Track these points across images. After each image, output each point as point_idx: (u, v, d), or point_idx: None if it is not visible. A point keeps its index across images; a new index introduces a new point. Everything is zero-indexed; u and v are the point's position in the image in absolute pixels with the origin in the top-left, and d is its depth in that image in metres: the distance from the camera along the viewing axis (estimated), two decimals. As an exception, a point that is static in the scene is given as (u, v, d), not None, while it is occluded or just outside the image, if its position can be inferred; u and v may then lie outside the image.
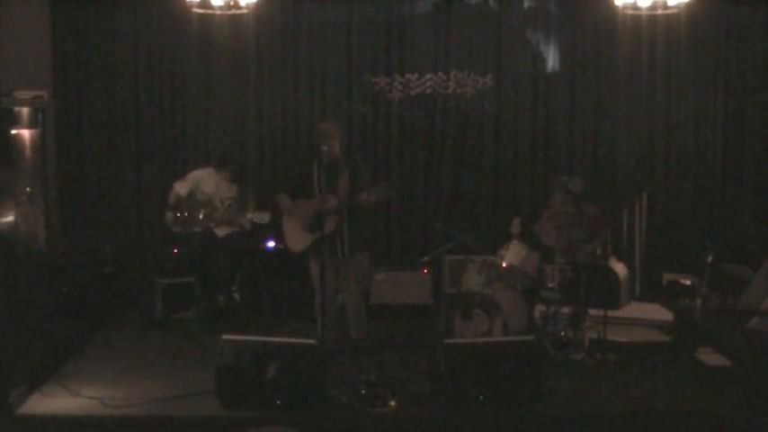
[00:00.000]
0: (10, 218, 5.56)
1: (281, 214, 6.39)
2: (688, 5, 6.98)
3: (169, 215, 7.18)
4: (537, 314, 6.82)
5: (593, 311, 6.35)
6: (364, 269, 6.42)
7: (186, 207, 7.20)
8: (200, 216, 7.18)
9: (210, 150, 8.11)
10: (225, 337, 5.32)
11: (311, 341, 5.45)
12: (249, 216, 6.94)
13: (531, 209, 7.85)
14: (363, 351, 6.22)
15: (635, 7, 6.74)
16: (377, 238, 8.13)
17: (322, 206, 5.99)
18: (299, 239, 6.23)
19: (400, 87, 8.18)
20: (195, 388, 5.44)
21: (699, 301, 7.34)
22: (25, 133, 5.80)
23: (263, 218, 6.83)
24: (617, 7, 6.97)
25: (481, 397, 5.11)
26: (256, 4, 6.94)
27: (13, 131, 5.66)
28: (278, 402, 5.10)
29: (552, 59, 8.27)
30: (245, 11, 6.86)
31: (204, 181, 7.28)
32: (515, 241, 6.69)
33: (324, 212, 5.99)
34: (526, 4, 8.22)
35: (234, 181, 7.34)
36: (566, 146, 8.32)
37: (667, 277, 7.82)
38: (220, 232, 7.29)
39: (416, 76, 8.18)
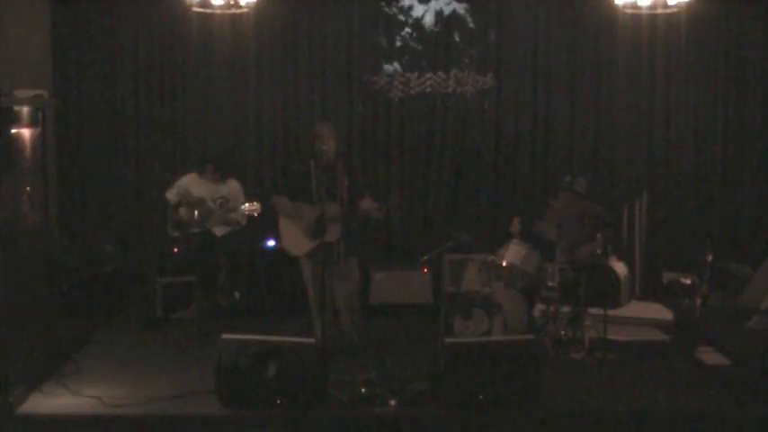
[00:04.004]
0: (10, 218, 5.55)
1: (277, 215, 6.37)
2: (688, 5, 6.98)
3: (182, 210, 7.19)
4: (537, 313, 6.82)
5: (593, 310, 6.36)
6: (354, 271, 6.38)
7: (184, 207, 7.23)
8: (196, 216, 7.19)
9: (191, 154, 8.11)
10: (225, 336, 5.32)
11: (311, 341, 5.45)
12: (241, 208, 6.94)
13: (531, 209, 7.85)
14: (357, 350, 6.23)
15: (635, 6, 6.74)
16: (377, 237, 8.13)
17: (324, 213, 5.96)
18: (298, 244, 6.21)
19: (400, 87, 8.19)
20: (195, 387, 5.44)
21: (699, 301, 7.34)
22: (25, 132, 5.79)
23: (255, 209, 6.81)
24: (617, 7, 6.97)
25: (481, 397, 5.11)
26: (256, 3, 6.94)
27: (13, 131, 5.65)
28: (278, 402, 5.09)
29: (552, 59, 8.26)
30: (245, 11, 6.86)
31: (191, 186, 7.31)
32: (515, 240, 6.69)
33: (326, 220, 5.97)
34: (526, 4, 8.21)
35: (219, 180, 7.34)
36: (566, 146, 8.32)
37: (667, 276, 7.82)
38: (219, 232, 7.30)
39: (416, 75, 8.18)
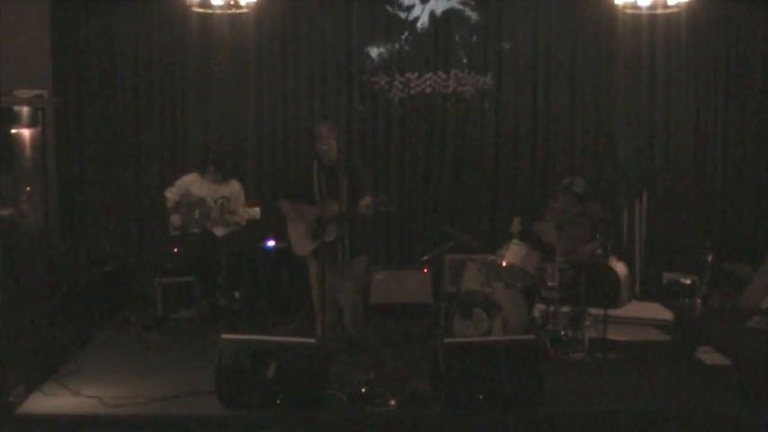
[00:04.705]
0: (10, 217, 5.55)
1: (284, 218, 6.40)
2: (688, 5, 6.99)
3: (175, 217, 7.21)
4: (537, 313, 6.82)
5: (593, 311, 6.36)
6: (362, 271, 6.44)
7: (183, 208, 7.24)
8: (196, 216, 7.20)
9: (191, 154, 8.13)
10: (225, 336, 5.33)
11: (311, 341, 5.45)
12: (241, 212, 6.96)
13: (531, 208, 7.85)
14: (359, 349, 6.25)
15: (635, 7, 6.74)
16: (377, 237, 8.13)
17: (323, 214, 5.99)
18: (302, 244, 6.26)
19: (400, 87, 8.18)
20: (195, 388, 5.44)
21: (699, 301, 7.33)
22: (25, 132, 5.80)
23: (255, 213, 6.83)
24: (617, 7, 6.97)
25: (481, 397, 5.11)
26: (256, 4, 6.95)
27: (13, 131, 5.65)
28: (278, 402, 5.09)
29: (552, 59, 8.25)
30: (245, 11, 6.87)
31: (192, 186, 7.31)
32: (515, 240, 6.69)
33: (325, 220, 6.00)
34: (527, 4, 8.22)
35: (220, 180, 7.35)
36: (566, 146, 8.31)
37: (667, 276, 7.81)
38: (219, 232, 7.30)
39: (416, 75, 8.18)
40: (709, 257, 7.29)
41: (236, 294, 7.47)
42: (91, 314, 7.15)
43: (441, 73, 8.19)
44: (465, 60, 8.24)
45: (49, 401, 5.32)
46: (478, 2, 8.20)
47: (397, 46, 8.24)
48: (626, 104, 8.29)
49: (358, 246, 6.23)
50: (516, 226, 6.71)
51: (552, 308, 6.51)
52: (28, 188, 5.81)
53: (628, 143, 8.31)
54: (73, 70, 8.15)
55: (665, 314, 7.25)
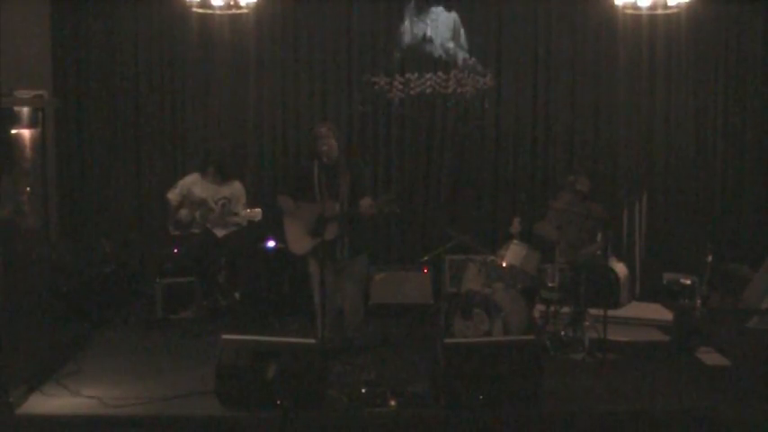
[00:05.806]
0: (10, 218, 5.55)
1: (282, 215, 6.39)
2: (688, 5, 7.00)
3: (183, 211, 7.21)
4: (537, 314, 6.82)
5: (593, 311, 6.36)
6: (363, 271, 6.43)
7: (187, 207, 7.25)
8: (197, 216, 7.20)
9: (191, 155, 8.13)
10: (225, 337, 5.33)
11: (311, 341, 5.45)
12: (242, 213, 6.96)
13: (531, 208, 7.85)
14: (358, 349, 6.25)
15: (635, 7, 6.75)
16: (377, 237, 8.13)
17: (323, 213, 5.99)
18: (300, 242, 6.24)
19: (400, 87, 8.18)
20: (195, 388, 5.44)
21: (699, 301, 7.34)
22: (25, 133, 5.79)
23: (256, 214, 6.84)
24: (617, 7, 6.98)
25: (481, 397, 5.11)
26: (256, 4, 6.95)
27: (13, 131, 5.65)
28: (278, 402, 5.09)
29: (552, 59, 8.25)
30: (245, 11, 6.87)
31: (193, 187, 7.31)
32: (515, 241, 6.69)
33: (325, 219, 6.00)
34: (527, 4, 8.21)
35: (221, 181, 7.35)
36: (566, 146, 8.32)
37: (667, 277, 7.82)
38: (219, 232, 7.30)
39: (416, 75, 8.17)
40: (710, 257, 7.31)
41: (236, 294, 7.48)
42: (91, 314, 7.15)
43: (441, 73, 8.20)
44: (465, 60, 8.23)
45: (49, 402, 5.32)
46: (479, 2, 8.19)
47: (397, 45, 8.22)
48: (626, 104, 8.29)
49: (358, 245, 6.23)
50: (516, 226, 6.71)
51: (552, 308, 6.51)
52: (28, 188, 5.81)
53: (628, 143, 8.32)
54: (73, 70, 8.16)
55: (665, 314, 7.26)
